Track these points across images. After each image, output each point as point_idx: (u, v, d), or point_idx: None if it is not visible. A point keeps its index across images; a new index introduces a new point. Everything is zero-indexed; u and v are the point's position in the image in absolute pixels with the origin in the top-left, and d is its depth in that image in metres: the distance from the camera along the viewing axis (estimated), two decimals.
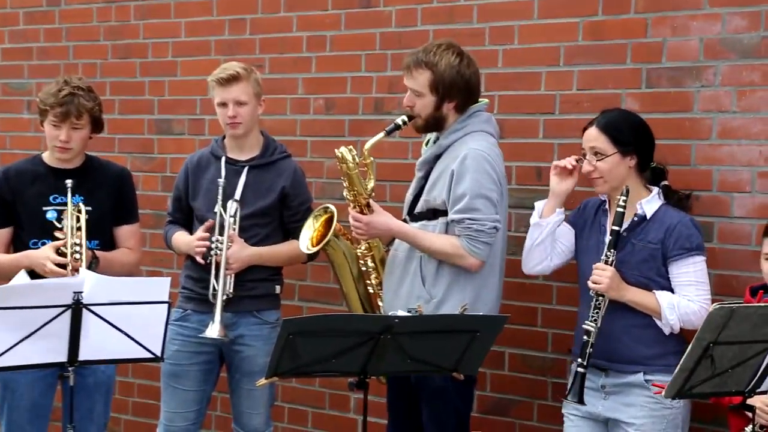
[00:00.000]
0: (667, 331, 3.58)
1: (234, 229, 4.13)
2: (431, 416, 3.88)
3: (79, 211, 3.98)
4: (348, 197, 3.94)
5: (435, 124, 3.94)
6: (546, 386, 4.41)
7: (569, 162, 3.75)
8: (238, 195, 4.18)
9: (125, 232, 4.25)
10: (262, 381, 3.44)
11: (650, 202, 3.67)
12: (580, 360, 3.54)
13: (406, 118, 3.92)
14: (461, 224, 3.77)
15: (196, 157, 4.36)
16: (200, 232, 4.15)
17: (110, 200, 4.20)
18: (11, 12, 5.97)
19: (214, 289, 4.10)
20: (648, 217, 3.64)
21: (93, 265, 3.98)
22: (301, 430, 5.01)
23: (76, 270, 3.85)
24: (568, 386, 3.61)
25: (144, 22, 5.53)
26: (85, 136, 4.15)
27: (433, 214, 3.88)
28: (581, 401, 3.54)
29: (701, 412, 3.95)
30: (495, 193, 3.80)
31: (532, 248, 3.83)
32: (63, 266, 3.90)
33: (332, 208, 4.01)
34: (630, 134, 3.67)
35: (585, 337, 3.54)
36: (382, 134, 3.93)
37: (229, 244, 4.09)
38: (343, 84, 4.96)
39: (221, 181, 4.15)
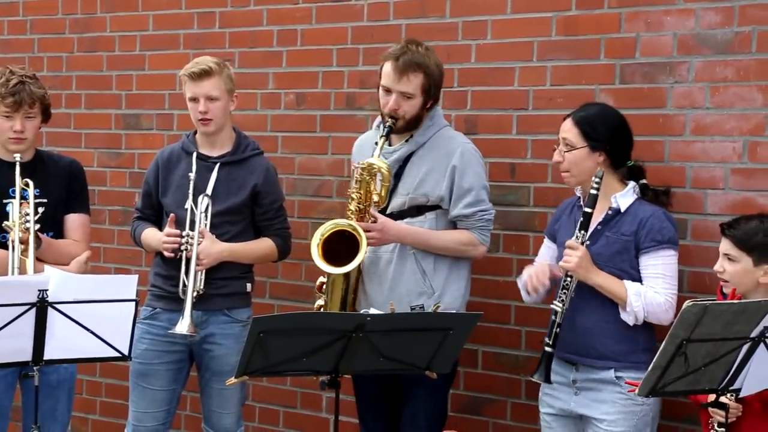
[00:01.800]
0: (630, 320, 3.60)
1: (205, 225, 4.11)
2: (416, 414, 3.92)
3: (26, 185, 3.94)
4: (357, 205, 3.85)
5: (414, 123, 3.95)
6: (520, 384, 4.43)
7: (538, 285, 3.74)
8: (209, 191, 4.16)
9: (73, 221, 4.18)
10: (232, 380, 3.44)
11: (624, 196, 3.70)
12: (547, 339, 3.59)
13: (393, 121, 3.90)
14: (472, 217, 3.91)
15: (167, 153, 4.34)
16: (168, 227, 4.13)
17: (62, 191, 4.15)
18: None
19: (184, 285, 4.08)
20: (622, 211, 3.68)
21: (37, 244, 3.90)
22: (272, 430, 5.00)
23: (23, 242, 3.82)
24: (536, 366, 3.64)
25: (111, 15, 5.51)
26: (37, 125, 4.12)
27: (417, 210, 3.89)
28: (548, 380, 3.60)
29: (673, 409, 3.99)
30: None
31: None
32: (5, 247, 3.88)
33: (354, 225, 3.86)
34: (603, 131, 3.70)
35: (552, 317, 3.59)
36: (381, 141, 3.87)
37: (200, 239, 4.07)
38: (315, 79, 4.96)
39: (192, 175, 4.13)
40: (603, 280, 3.60)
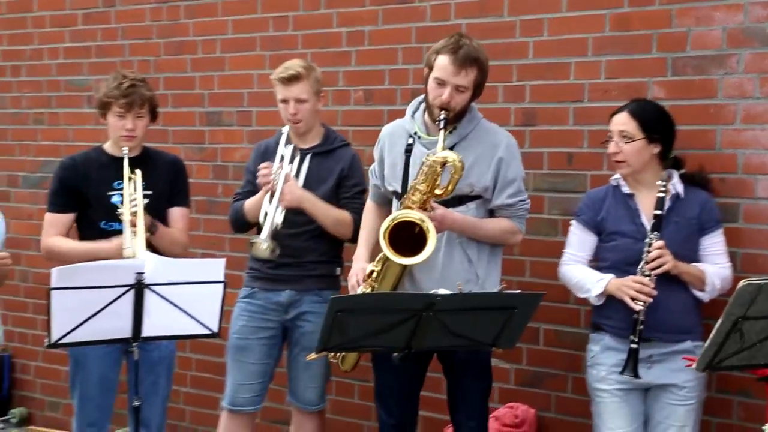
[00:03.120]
0: (707, 298, 3.64)
1: (295, 176, 4.14)
2: (462, 389, 3.85)
3: (134, 172, 4.00)
4: (420, 197, 3.65)
5: (460, 116, 3.81)
6: (579, 360, 4.35)
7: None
8: (301, 181, 4.17)
9: (176, 214, 4.24)
10: (312, 355, 3.45)
11: (677, 184, 3.68)
12: (632, 337, 3.52)
13: (447, 113, 3.74)
14: (514, 206, 3.82)
15: (263, 145, 4.35)
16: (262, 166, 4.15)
17: (166, 185, 4.20)
18: (70, 13, 5.99)
19: (266, 214, 4.05)
20: (681, 196, 3.67)
21: (152, 229, 4.00)
22: (348, 402, 5.00)
23: (134, 224, 3.88)
24: (624, 363, 3.57)
25: (193, 21, 5.53)
26: (146, 124, 4.18)
27: (460, 200, 3.77)
28: (636, 375, 3.53)
29: (727, 383, 3.94)
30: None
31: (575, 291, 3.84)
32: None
33: (420, 216, 3.65)
34: (658, 124, 3.68)
35: (635, 316, 3.52)
36: (443, 134, 3.67)
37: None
38: (381, 76, 4.94)
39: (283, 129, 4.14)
40: (686, 268, 3.59)
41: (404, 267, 3.69)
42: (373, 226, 3.98)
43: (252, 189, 4.27)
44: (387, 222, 3.61)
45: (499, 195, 3.79)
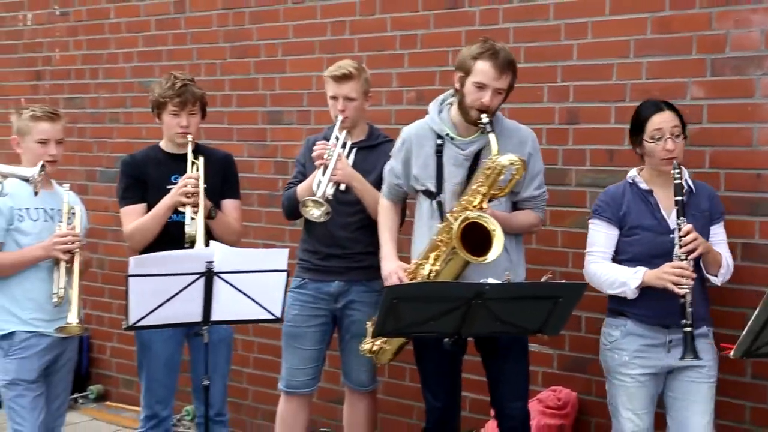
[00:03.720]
0: (719, 282, 3.64)
1: (347, 157, 4.15)
2: (506, 372, 3.83)
3: (197, 168, 4.06)
4: (481, 198, 3.60)
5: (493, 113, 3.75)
6: None
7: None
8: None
9: (229, 206, 4.26)
10: (369, 340, 3.46)
11: (689, 178, 3.68)
12: (684, 321, 3.45)
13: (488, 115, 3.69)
14: (538, 198, 3.81)
15: (313, 140, 4.35)
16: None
17: (218, 179, 4.22)
18: (144, 20, 6.06)
19: (320, 183, 4.04)
20: (693, 191, 3.66)
21: (212, 213, 4.05)
22: (400, 384, 5.01)
23: (195, 206, 3.94)
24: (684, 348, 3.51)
25: (257, 26, 5.56)
26: (198, 121, 4.23)
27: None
28: (696, 356, 3.48)
29: (764, 370, 3.89)
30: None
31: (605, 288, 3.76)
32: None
33: (485, 217, 3.59)
34: (683, 119, 3.70)
35: (682, 300, 3.46)
36: (494, 137, 3.60)
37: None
38: (432, 77, 4.92)
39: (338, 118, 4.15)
40: (711, 249, 3.59)
41: (464, 266, 3.63)
42: (393, 224, 4.02)
43: (302, 179, 4.29)
44: (458, 224, 3.52)
45: (527, 188, 3.78)
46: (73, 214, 3.97)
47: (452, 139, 3.78)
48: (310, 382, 4.36)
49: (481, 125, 3.65)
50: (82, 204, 4.19)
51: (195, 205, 3.97)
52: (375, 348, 3.88)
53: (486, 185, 3.59)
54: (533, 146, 3.83)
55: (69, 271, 3.85)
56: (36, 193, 3.72)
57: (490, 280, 3.32)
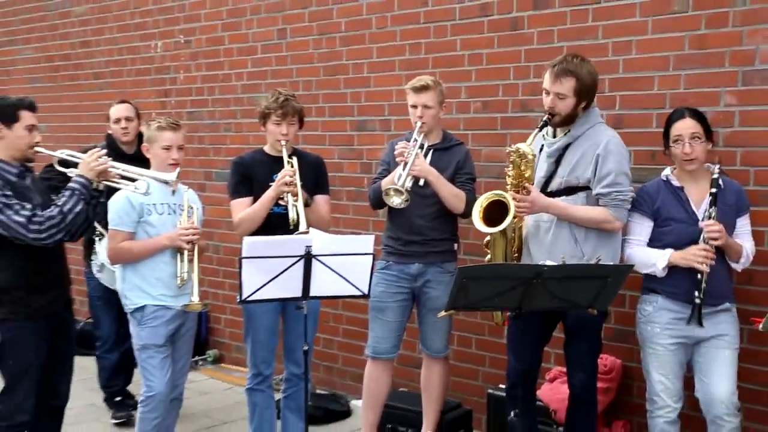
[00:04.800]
0: (740, 268, 3.61)
1: (425, 157, 4.14)
2: (574, 347, 3.79)
3: (292, 166, 4.08)
4: (512, 181, 3.66)
5: (569, 120, 3.75)
6: None
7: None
8: None
9: (320, 200, 4.26)
10: (442, 313, 3.44)
11: (719, 176, 3.56)
12: (697, 293, 3.46)
13: (549, 116, 3.72)
14: (608, 196, 3.67)
15: (395, 142, 4.31)
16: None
17: (311, 177, 4.23)
18: (252, 45, 6.11)
19: (400, 176, 4.03)
20: (722, 186, 3.55)
21: (308, 201, 4.07)
22: (467, 351, 5.00)
23: (295, 195, 3.98)
24: (690, 315, 3.52)
25: (346, 48, 5.57)
26: (296, 130, 4.24)
27: (571, 190, 3.72)
28: (701, 324, 3.49)
29: None
30: (630, 171, 3.75)
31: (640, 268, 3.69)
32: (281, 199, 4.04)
33: (506, 196, 3.69)
34: (708, 124, 3.59)
35: (699, 276, 3.46)
36: (536, 130, 3.68)
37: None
38: (496, 90, 4.89)
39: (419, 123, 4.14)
40: (731, 242, 3.51)
41: (505, 237, 3.71)
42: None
43: (386, 176, 4.28)
44: (479, 202, 3.70)
45: (597, 185, 3.70)
46: (192, 209, 4.00)
47: (545, 138, 3.81)
48: (393, 349, 4.37)
49: (542, 122, 3.71)
50: (199, 201, 4.24)
51: (294, 194, 4.00)
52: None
53: (512, 170, 3.66)
54: (605, 149, 3.69)
55: (190, 259, 3.90)
56: (173, 192, 3.81)
57: (548, 262, 3.27)
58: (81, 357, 4.03)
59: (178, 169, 3.83)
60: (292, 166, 4.08)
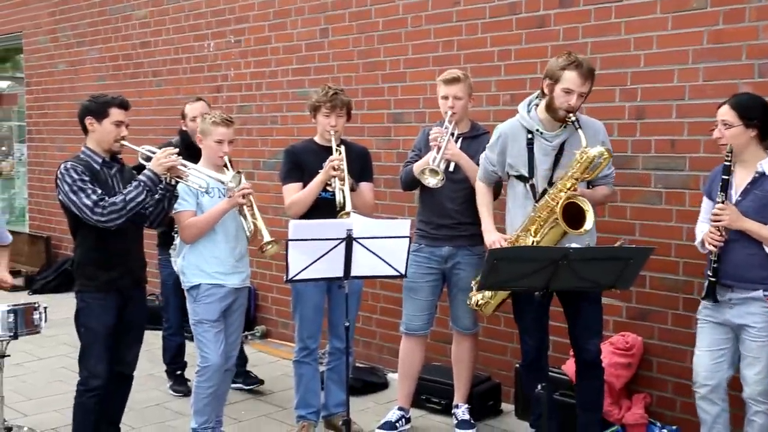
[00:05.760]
0: None
1: (452, 139, 4.09)
2: (584, 315, 3.71)
3: (340, 153, 4.08)
4: (573, 183, 3.53)
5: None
6: (677, 300, 4.19)
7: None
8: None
9: (365, 187, 4.27)
10: (474, 292, 3.41)
11: (765, 163, 3.40)
12: (709, 272, 3.39)
13: (573, 115, 3.59)
14: (609, 176, 3.72)
15: (428, 129, 4.29)
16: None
17: (358, 166, 4.23)
18: (297, 44, 6.09)
19: (434, 159, 3.99)
20: (766, 174, 3.38)
21: (354, 187, 4.07)
22: (496, 328, 4.95)
23: (341, 179, 3.98)
24: (704, 292, 3.43)
25: (384, 46, 5.53)
26: (344, 122, 4.24)
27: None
28: (716, 300, 3.39)
29: None
30: None
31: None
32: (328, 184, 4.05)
33: (582, 200, 3.53)
34: (755, 111, 3.40)
35: (710, 257, 3.39)
36: (582, 133, 3.53)
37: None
38: (524, 84, 4.81)
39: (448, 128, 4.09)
40: (752, 226, 3.33)
41: (561, 236, 3.56)
42: (489, 203, 3.95)
43: (417, 160, 4.25)
44: (561, 202, 3.49)
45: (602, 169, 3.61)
46: (239, 175, 3.93)
47: (541, 133, 3.69)
48: (425, 326, 4.35)
49: (569, 122, 3.58)
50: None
51: (341, 179, 4.00)
52: (481, 302, 3.84)
53: (579, 172, 3.53)
54: (604, 135, 3.74)
55: (251, 214, 3.88)
56: (229, 197, 3.85)
57: (574, 245, 3.22)
58: (147, 331, 4.07)
59: (232, 172, 3.84)
60: (339, 154, 4.07)
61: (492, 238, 3.79)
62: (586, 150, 3.49)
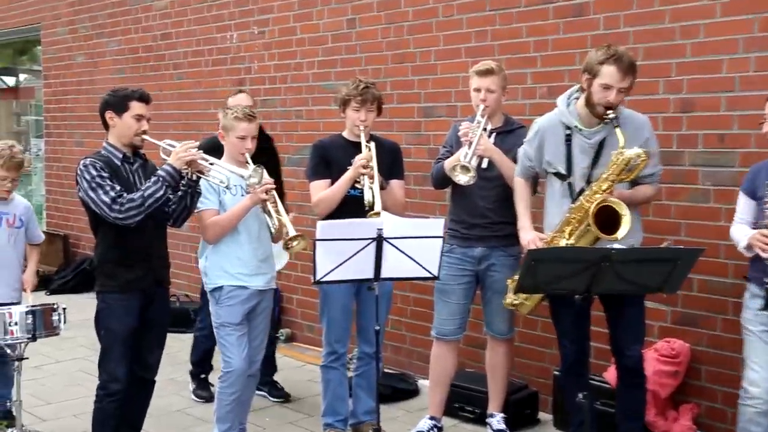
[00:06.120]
0: None
1: (485, 134, 4.05)
2: (626, 320, 3.66)
3: (369, 150, 4.07)
4: (609, 185, 3.49)
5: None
6: (727, 305, 4.11)
7: None
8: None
9: (395, 184, 4.25)
10: (510, 295, 3.38)
11: None
12: (765, 279, 3.29)
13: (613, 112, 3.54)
14: (655, 175, 3.68)
15: (459, 125, 4.25)
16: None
17: (388, 162, 4.22)
18: (323, 35, 6.10)
19: (465, 155, 3.98)
20: None
21: (384, 185, 4.06)
22: (532, 334, 4.91)
23: (371, 177, 3.98)
24: (763, 303, 3.33)
25: (413, 37, 5.51)
26: (374, 117, 4.22)
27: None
28: None
29: None
30: None
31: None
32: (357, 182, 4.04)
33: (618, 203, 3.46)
34: None
35: (766, 261, 3.28)
36: (619, 131, 3.47)
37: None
38: (561, 76, 4.76)
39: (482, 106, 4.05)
40: None
41: (595, 241, 3.50)
42: (527, 199, 3.91)
43: (448, 157, 4.22)
44: (593, 206, 3.43)
45: (647, 167, 3.55)
46: (260, 168, 3.89)
47: (580, 130, 3.65)
48: (458, 330, 4.33)
49: (607, 120, 3.51)
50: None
51: (371, 177, 3.99)
52: (516, 302, 3.81)
53: (614, 174, 3.48)
54: (649, 131, 3.68)
55: (275, 210, 3.86)
56: (248, 193, 3.85)
57: (616, 246, 3.18)
58: (168, 334, 4.08)
59: (253, 166, 3.82)
60: (369, 150, 4.06)
61: (528, 236, 3.76)
62: (622, 151, 3.44)
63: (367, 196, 3.96)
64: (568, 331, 3.75)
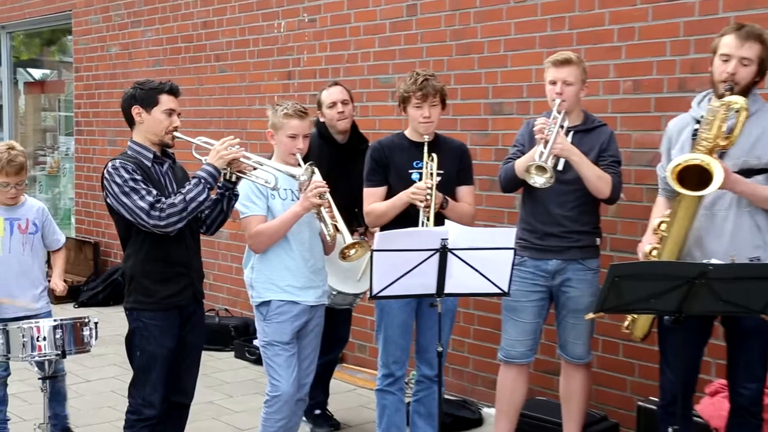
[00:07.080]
0: None
1: (561, 128, 4.03)
2: (746, 355, 3.57)
3: (431, 155, 4.08)
4: (706, 145, 3.42)
5: (745, 91, 3.52)
6: None
7: None
8: None
9: (463, 191, 4.26)
10: (590, 315, 3.36)
11: None
12: None
13: (731, 84, 3.49)
14: None
15: (533, 122, 4.21)
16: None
17: (454, 166, 4.22)
18: (380, 23, 6.15)
19: (541, 153, 3.95)
20: None
21: (444, 205, 4.06)
22: (613, 358, 4.87)
23: (427, 206, 3.96)
24: None
25: (481, 25, 5.53)
26: (439, 112, 4.21)
27: (747, 172, 3.48)
28: None
29: None
30: None
31: None
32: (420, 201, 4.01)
33: (709, 160, 3.37)
34: None
35: None
36: (711, 100, 3.49)
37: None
38: (650, 67, 4.72)
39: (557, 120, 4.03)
40: None
41: (692, 219, 3.46)
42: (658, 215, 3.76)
43: (520, 156, 4.21)
44: (672, 165, 3.41)
45: None
46: (312, 167, 3.94)
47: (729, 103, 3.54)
48: (528, 353, 4.30)
49: (726, 94, 3.44)
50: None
51: (427, 206, 3.98)
52: (627, 320, 3.73)
53: (709, 130, 3.39)
54: None
55: (330, 216, 3.89)
56: (300, 190, 3.87)
57: (714, 261, 3.13)
58: (204, 353, 4.13)
59: (305, 166, 3.85)
60: (431, 169, 4.04)
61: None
62: (715, 101, 3.38)
63: (422, 219, 3.93)
64: (670, 359, 3.66)
